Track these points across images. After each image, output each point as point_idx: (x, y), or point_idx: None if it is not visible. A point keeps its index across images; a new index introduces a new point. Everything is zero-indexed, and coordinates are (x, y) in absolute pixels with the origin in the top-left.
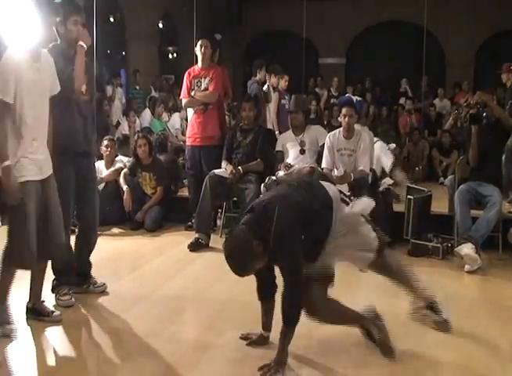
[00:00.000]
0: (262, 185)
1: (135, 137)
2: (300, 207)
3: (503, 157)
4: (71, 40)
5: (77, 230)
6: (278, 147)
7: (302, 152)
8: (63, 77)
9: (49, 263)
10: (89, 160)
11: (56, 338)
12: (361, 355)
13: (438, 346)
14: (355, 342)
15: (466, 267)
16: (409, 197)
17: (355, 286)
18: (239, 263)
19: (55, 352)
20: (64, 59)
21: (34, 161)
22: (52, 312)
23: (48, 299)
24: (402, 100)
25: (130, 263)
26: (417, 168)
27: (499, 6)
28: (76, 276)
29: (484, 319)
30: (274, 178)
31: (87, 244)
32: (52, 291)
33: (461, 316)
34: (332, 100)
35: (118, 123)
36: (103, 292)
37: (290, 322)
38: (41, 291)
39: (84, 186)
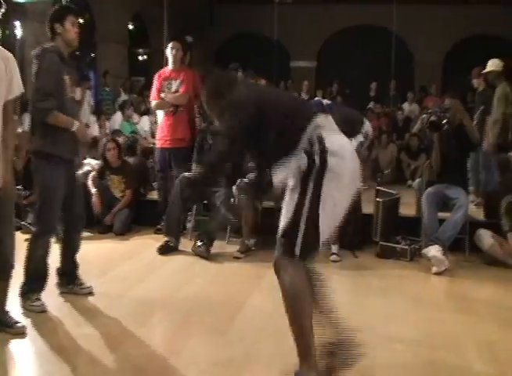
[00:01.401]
0: (234, 187)
1: (104, 140)
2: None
3: (469, 161)
4: (68, 40)
5: (61, 232)
6: None
7: None
8: (61, 79)
9: (20, 268)
10: (76, 165)
11: (21, 347)
12: None
13: (407, 346)
14: None
15: (434, 269)
16: (377, 199)
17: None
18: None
19: (19, 362)
20: (58, 63)
21: None
22: (16, 323)
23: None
24: (371, 104)
25: (98, 267)
26: (386, 171)
27: (468, 11)
28: (61, 276)
29: (451, 321)
30: (246, 180)
31: (71, 245)
32: (22, 296)
33: (428, 317)
34: None
35: (87, 125)
36: (90, 293)
37: None
38: (5, 302)
39: (71, 190)
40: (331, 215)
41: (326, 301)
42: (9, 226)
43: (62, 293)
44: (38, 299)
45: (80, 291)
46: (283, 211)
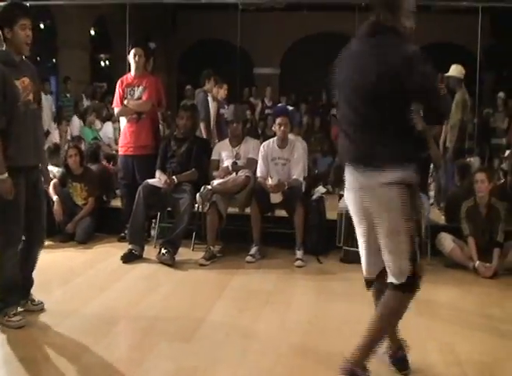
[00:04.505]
0: (197, 194)
1: (66, 146)
2: None
3: (432, 167)
4: (19, 45)
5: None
6: (214, 156)
7: (235, 164)
8: (8, 87)
9: None
10: (39, 172)
11: None
12: None
13: None
14: None
15: None
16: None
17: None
18: None
19: None
20: (10, 67)
21: None
22: None
23: None
24: (333, 111)
25: (60, 276)
26: None
27: (426, 20)
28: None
29: (413, 324)
30: (209, 187)
31: (32, 258)
32: None
33: None
34: (266, 111)
35: (48, 132)
36: (42, 310)
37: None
38: None
39: (33, 198)
40: None
41: None
42: None
43: None
44: (16, 314)
45: (33, 308)
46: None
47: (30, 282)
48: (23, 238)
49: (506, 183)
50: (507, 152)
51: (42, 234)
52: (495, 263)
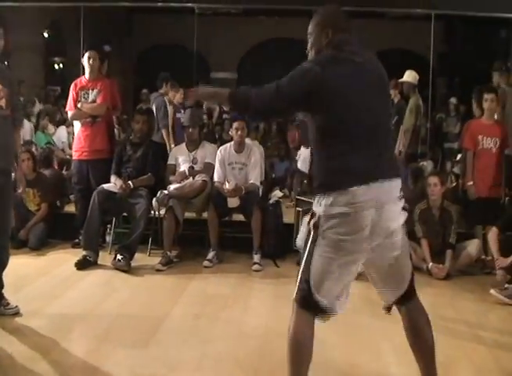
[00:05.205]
0: (154, 199)
1: (19, 151)
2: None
3: None
4: None
5: None
6: (171, 160)
7: (191, 168)
8: None
9: None
10: (7, 178)
11: None
12: None
13: (326, 351)
14: None
15: None
16: (297, 209)
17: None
18: None
19: None
20: None
21: None
22: None
23: None
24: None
25: (13, 284)
26: (305, 181)
27: (382, 26)
28: None
29: (368, 325)
30: (165, 192)
31: None
32: None
33: (346, 321)
34: (223, 115)
35: None
36: (17, 314)
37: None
38: None
39: None
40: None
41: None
42: None
43: None
44: None
45: (6, 312)
46: None
47: None
48: None
49: (458, 186)
50: (459, 156)
51: (6, 242)
52: (448, 264)
